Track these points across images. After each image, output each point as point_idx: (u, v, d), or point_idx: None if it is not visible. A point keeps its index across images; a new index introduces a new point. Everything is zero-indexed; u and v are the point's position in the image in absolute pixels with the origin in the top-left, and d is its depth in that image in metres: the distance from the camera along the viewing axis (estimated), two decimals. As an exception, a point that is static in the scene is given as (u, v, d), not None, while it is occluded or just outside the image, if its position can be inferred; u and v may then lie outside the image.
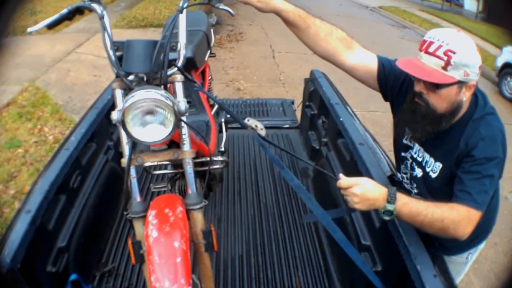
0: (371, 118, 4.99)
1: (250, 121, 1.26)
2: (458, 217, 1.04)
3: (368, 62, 1.32)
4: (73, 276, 1.41)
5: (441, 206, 1.06)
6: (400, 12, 12.35)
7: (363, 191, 1.06)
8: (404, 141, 1.33)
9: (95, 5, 1.14)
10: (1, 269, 1.08)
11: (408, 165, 1.33)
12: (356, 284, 1.46)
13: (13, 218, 1.27)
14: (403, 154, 1.35)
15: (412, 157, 1.31)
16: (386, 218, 1.07)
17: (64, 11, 1.16)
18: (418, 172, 1.29)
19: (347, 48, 1.32)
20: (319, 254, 1.83)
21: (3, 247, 1.13)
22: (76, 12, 1.18)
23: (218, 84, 5.44)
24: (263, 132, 1.27)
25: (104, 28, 1.11)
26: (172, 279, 0.91)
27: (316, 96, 2.48)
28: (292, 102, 3.22)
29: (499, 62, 6.60)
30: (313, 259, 1.80)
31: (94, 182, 1.78)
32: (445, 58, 1.06)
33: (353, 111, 2.08)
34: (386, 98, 1.37)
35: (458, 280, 1.43)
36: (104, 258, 1.76)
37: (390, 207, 1.05)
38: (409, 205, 1.06)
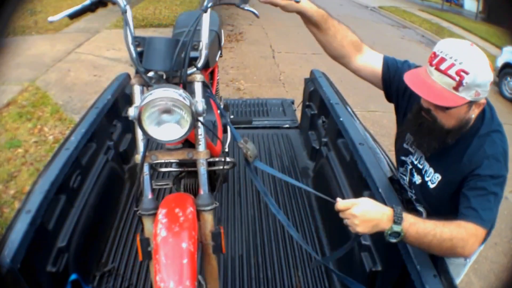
0: (371, 118, 4.99)
1: (243, 146, 1.26)
2: (466, 235, 1.00)
3: (373, 63, 1.31)
4: (73, 276, 1.41)
5: (448, 225, 1.01)
6: (400, 12, 12.35)
7: (363, 211, 0.99)
8: (405, 146, 1.31)
9: None
10: (1, 269, 1.08)
11: (408, 170, 1.32)
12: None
13: (13, 218, 1.27)
14: (403, 158, 1.34)
15: (412, 163, 1.29)
16: (393, 240, 1.01)
17: (87, 2, 1.15)
18: (417, 179, 1.27)
19: (357, 51, 1.31)
20: (319, 254, 1.83)
21: (3, 247, 1.13)
22: (99, 4, 1.17)
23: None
24: (251, 160, 1.26)
25: (126, 23, 1.10)
26: (177, 280, 0.91)
27: (316, 96, 2.48)
28: (292, 102, 3.22)
29: (499, 62, 6.60)
30: (313, 259, 1.80)
31: (94, 182, 1.78)
32: (457, 78, 1.01)
33: (353, 111, 2.08)
34: (389, 99, 1.35)
35: (457, 281, 1.42)
36: (104, 258, 1.76)
37: (397, 228, 0.98)
38: (417, 226, 1.00)
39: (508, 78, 6.39)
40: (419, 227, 1.00)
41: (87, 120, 1.82)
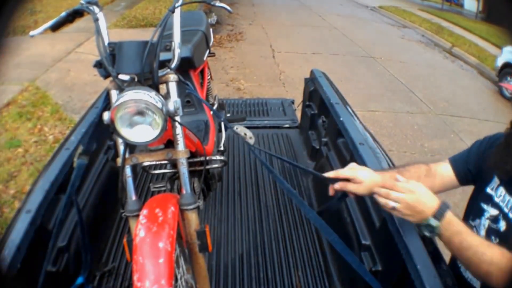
0: (371, 118, 5.00)
1: (240, 129, 1.27)
2: (505, 267, 0.91)
3: (445, 179, 1.21)
4: (79, 280, 1.41)
5: (492, 249, 0.95)
6: (400, 12, 12.35)
7: (416, 201, 0.97)
8: (488, 191, 1.14)
9: (92, 8, 1.15)
10: (1, 269, 1.08)
11: (487, 218, 1.15)
12: (356, 283, 1.46)
13: (13, 218, 1.27)
14: (483, 205, 1.16)
15: (497, 204, 1.12)
16: (426, 233, 0.98)
17: (63, 14, 1.18)
18: (502, 225, 1.10)
19: (431, 180, 1.21)
20: (319, 254, 1.83)
21: (3, 247, 1.13)
22: (76, 15, 1.20)
23: (218, 84, 5.44)
24: (251, 141, 1.27)
25: (97, 31, 1.12)
26: (153, 280, 0.91)
27: (316, 96, 2.48)
28: (292, 102, 3.22)
29: (499, 62, 6.61)
30: (313, 259, 1.80)
31: (94, 182, 1.78)
32: None
33: (353, 111, 2.08)
34: (468, 184, 1.23)
35: None
36: (104, 258, 1.76)
37: (433, 222, 0.96)
38: (463, 236, 0.95)
39: (508, 78, 6.40)
40: (464, 239, 0.95)
41: (87, 120, 1.82)
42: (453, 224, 0.96)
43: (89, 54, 5.99)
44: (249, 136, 1.28)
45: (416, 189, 0.99)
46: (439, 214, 0.96)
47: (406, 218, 1.00)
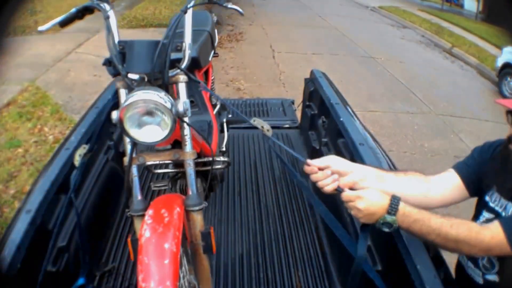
0: (371, 118, 5.00)
1: (257, 122, 1.27)
2: (474, 241, 0.96)
3: (450, 183, 1.18)
4: (80, 281, 1.41)
5: (457, 227, 0.98)
6: (400, 12, 12.35)
7: (366, 205, 1.01)
8: (486, 198, 1.15)
9: (102, 5, 1.14)
10: (1, 269, 1.08)
11: (482, 222, 1.15)
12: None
13: (13, 218, 1.27)
14: (481, 211, 1.17)
15: (492, 210, 1.13)
16: (385, 229, 1.01)
17: (73, 10, 1.17)
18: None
19: (427, 186, 1.18)
20: (319, 254, 1.83)
21: (3, 247, 1.13)
22: (86, 12, 1.19)
23: (218, 84, 5.44)
24: (269, 133, 1.27)
25: (108, 29, 1.11)
26: (158, 280, 0.92)
27: (316, 96, 2.48)
28: (292, 102, 3.22)
29: (499, 62, 6.62)
30: (313, 259, 1.80)
31: (94, 182, 1.78)
32: None
33: (353, 111, 2.08)
34: (476, 195, 1.21)
35: None
36: (104, 258, 1.76)
37: (389, 218, 0.99)
38: (420, 223, 0.99)
39: (508, 78, 6.40)
40: (422, 225, 1.00)
41: (87, 120, 1.82)
42: (407, 215, 1.01)
43: (89, 54, 6.00)
44: (267, 128, 1.28)
45: (362, 194, 1.03)
46: (392, 210, 1.00)
47: (364, 221, 1.05)
